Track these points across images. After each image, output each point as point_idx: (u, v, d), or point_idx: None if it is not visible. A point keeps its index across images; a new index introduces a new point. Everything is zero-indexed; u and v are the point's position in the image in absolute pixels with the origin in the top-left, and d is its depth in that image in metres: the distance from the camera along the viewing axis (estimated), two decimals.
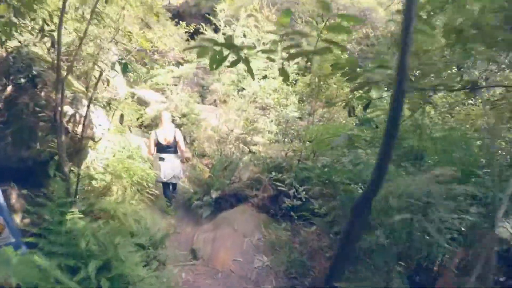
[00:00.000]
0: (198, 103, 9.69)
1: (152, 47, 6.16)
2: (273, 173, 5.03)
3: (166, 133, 5.11)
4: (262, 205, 5.04)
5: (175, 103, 8.29)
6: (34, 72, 3.50)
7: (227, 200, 5.73)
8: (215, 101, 12.21)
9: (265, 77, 6.55)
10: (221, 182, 5.57)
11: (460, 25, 2.17)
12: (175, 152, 5.22)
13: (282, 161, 5.66)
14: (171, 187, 5.46)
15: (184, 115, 8.21)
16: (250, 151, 7.38)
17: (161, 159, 5.05)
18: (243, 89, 6.59)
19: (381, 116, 3.42)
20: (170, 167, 5.10)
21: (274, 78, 6.71)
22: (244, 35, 6.35)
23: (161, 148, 5.08)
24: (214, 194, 5.38)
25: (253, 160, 6.17)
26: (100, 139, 3.84)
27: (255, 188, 5.68)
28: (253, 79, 6.10)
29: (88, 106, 3.19)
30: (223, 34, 6.12)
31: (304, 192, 4.56)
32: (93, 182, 3.44)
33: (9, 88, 3.55)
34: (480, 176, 2.95)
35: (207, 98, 12.25)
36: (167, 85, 7.37)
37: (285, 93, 6.19)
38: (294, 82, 6.48)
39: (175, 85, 9.35)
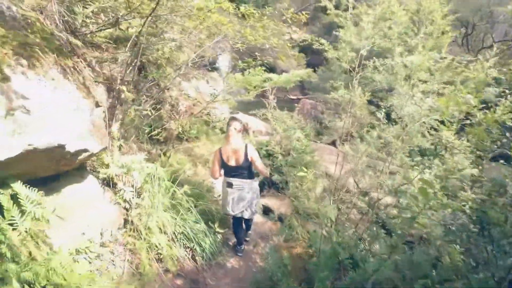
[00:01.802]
0: (311, 140, 7.19)
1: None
2: None
3: (232, 150, 3.71)
4: None
5: (278, 134, 6.02)
6: None
7: None
8: (334, 141, 9.49)
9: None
10: None
11: None
12: (250, 177, 3.82)
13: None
14: (243, 223, 4.13)
15: (288, 152, 5.79)
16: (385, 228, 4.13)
17: (229, 184, 3.79)
18: (389, 109, 3.62)
19: None
20: (239, 196, 3.79)
21: (440, 93, 3.52)
22: (390, 15, 3.66)
23: (228, 170, 3.82)
24: None
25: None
26: None
27: None
28: None
29: None
30: (351, 14, 3.68)
31: None
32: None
33: None
34: None
35: (325, 137, 9.70)
36: (260, 89, 5.10)
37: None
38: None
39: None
